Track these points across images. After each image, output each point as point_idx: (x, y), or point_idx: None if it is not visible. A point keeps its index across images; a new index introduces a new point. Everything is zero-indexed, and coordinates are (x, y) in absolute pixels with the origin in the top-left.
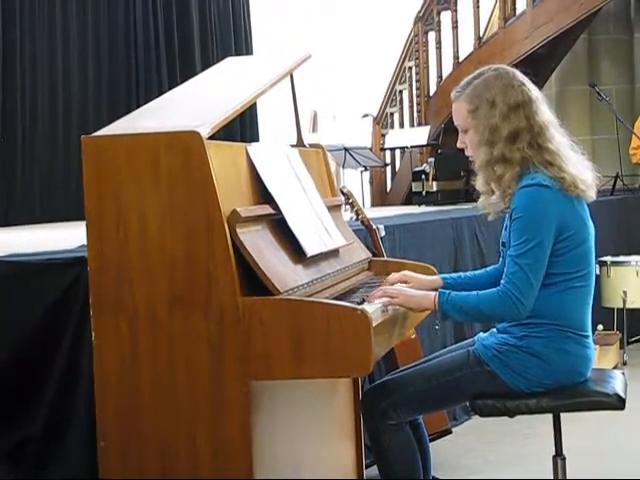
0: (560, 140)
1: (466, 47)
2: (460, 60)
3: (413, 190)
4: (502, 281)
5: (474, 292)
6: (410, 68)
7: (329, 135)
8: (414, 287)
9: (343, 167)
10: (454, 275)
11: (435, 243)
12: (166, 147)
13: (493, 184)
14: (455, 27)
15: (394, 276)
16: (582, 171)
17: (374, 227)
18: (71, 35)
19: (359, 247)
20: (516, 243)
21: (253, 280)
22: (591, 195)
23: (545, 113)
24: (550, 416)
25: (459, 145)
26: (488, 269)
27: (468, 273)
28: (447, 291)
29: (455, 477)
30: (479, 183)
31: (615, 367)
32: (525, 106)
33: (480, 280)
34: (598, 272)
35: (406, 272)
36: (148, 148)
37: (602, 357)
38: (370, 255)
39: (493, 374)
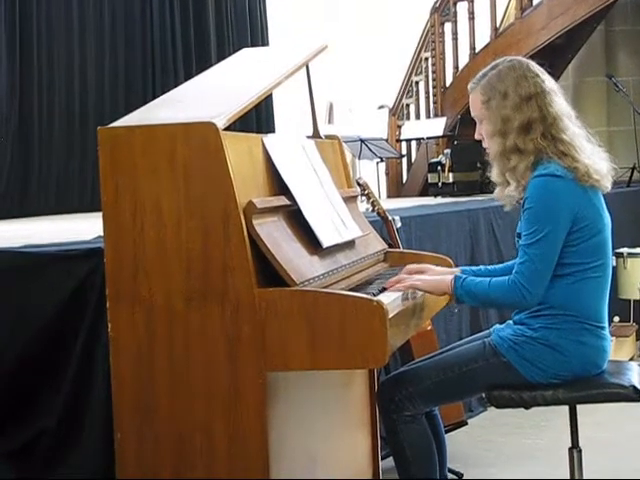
0: (575, 131)
1: (482, 38)
2: (476, 51)
3: (429, 181)
4: (513, 270)
5: (488, 279)
6: (426, 59)
7: (345, 126)
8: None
9: (359, 158)
10: (474, 268)
11: (451, 235)
12: (182, 138)
13: (508, 174)
14: (471, 18)
15: (413, 267)
16: (596, 161)
17: (390, 218)
18: (87, 27)
19: (375, 238)
20: (527, 233)
21: (269, 271)
22: (606, 185)
23: (559, 104)
24: (566, 408)
25: (477, 136)
26: (509, 263)
27: (489, 266)
28: (463, 276)
29: (471, 469)
30: (494, 174)
31: (631, 359)
32: (538, 97)
33: (500, 273)
34: (614, 264)
35: (424, 265)
36: (164, 139)
37: (618, 349)
38: (386, 246)
39: (509, 365)
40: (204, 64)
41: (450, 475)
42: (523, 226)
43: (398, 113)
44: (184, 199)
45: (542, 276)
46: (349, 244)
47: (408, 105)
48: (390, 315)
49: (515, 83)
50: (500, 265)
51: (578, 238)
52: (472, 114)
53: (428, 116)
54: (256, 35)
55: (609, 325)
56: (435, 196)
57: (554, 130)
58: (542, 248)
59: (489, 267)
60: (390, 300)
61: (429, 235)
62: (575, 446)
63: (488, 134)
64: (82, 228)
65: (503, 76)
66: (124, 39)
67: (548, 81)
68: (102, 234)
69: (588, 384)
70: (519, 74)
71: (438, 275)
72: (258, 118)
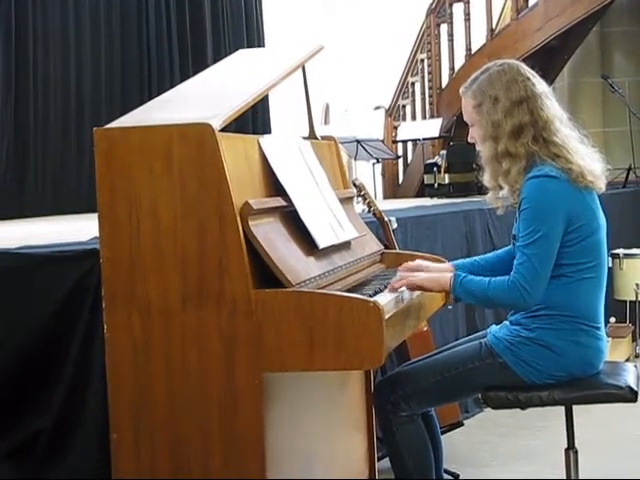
0: (567, 133)
1: (478, 39)
2: (472, 52)
3: (425, 182)
4: (512, 271)
5: (487, 278)
6: (422, 60)
7: (341, 127)
8: None
9: (355, 159)
10: (467, 261)
11: (447, 236)
12: (178, 139)
13: (500, 179)
14: (467, 19)
15: (408, 264)
16: (590, 163)
17: (386, 219)
18: (83, 28)
19: (371, 239)
20: (524, 234)
21: (265, 272)
22: (600, 186)
23: (550, 107)
24: (562, 409)
25: (470, 139)
26: (499, 252)
27: (478, 258)
28: (462, 274)
29: (467, 469)
30: (486, 178)
31: (627, 360)
32: (529, 101)
33: (493, 265)
34: (610, 265)
35: (419, 261)
36: (160, 140)
37: (614, 349)
38: (382, 247)
39: (505, 366)
40: (200, 65)
41: (446, 476)
42: (520, 227)
43: (394, 114)
44: (180, 200)
45: (541, 276)
46: (345, 245)
47: (404, 106)
48: (387, 316)
49: (506, 87)
50: (491, 255)
51: (573, 239)
52: (464, 118)
53: (424, 117)
54: (252, 36)
55: (605, 326)
56: (431, 197)
57: (545, 133)
58: (540, 248)
59: (479, 259)
60: (387, 301)
61: (425, 236)
62: (571, 447)
63: (480, 138)
64: (78, 229)
65: (493, 80)
66: (120, 40)
67: (539, 84)
68: (98, 235)
69: (584, 385)
70: (509, 78)
71: (436, 272)
72: (254, 119)
